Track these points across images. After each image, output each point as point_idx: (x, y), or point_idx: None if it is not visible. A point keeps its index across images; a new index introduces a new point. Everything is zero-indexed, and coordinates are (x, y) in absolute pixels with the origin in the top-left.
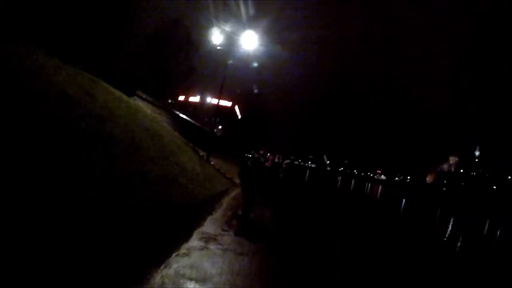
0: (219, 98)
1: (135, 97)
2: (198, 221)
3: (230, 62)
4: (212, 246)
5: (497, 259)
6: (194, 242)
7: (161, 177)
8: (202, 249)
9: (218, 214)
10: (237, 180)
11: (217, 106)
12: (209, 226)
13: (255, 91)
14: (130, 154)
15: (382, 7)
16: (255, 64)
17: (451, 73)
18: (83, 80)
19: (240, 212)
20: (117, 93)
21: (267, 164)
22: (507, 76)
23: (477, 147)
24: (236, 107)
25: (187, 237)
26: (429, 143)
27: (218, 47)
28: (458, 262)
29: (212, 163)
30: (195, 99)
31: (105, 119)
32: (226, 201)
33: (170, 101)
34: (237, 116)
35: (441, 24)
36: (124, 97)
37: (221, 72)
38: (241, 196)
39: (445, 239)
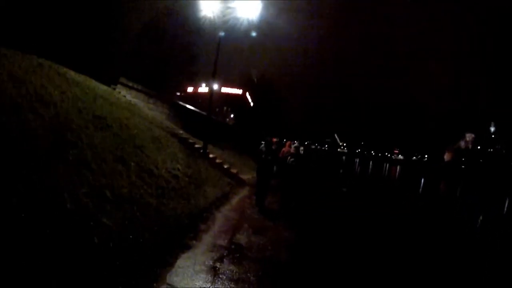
0: (212, 79)
1: (119, 85)
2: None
3: (222, 34)
4: None
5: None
6: None
7: (96, 196)
8: None
9: (200, 248)
10: (246, 176)
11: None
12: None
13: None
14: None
15: None
16: (254, 34)
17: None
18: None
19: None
20: (85, 80)
21: (284, 149)
22: None
23: (492, 123)
24: (247, 95)
25: None
26: (444, 120)
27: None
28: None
29: (212, 156)
30: (204, 89)
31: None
32: (221, 215)
33: (179, 93)
34: (249, 103)
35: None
36: (93, 84)
37: (223, 52)
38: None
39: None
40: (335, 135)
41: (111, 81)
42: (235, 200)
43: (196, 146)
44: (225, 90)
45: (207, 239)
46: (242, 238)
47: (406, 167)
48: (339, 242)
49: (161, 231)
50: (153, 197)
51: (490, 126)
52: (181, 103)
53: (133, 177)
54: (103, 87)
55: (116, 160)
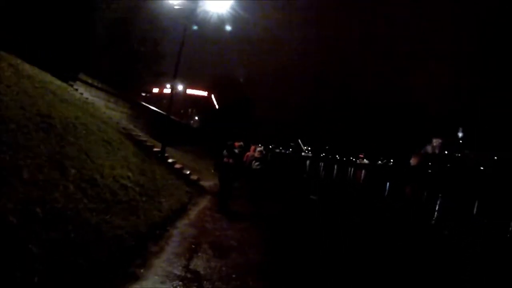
0: (174, 79)
1: (78, 82)
2: None
3: (195, 27)
4: None
5: (486, 241)
6: None
7: (23, 214)
8: None
9: (149, 279)
10: (207, 182)
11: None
12: None
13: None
14: None
15: None
16: (228, 28)
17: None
18: None
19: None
20: (39, 74)
21: (248, 154)
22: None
23: (460, 129)
24: (213, 96)
25: None
26: (411, 126)
27: (176, 7)
28: (447, 245)
29: (171, 160)
30: (169, 90)
31: None
32: (177, 232)
33: (144, 94)
34: (215, 105)
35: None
36: (47, 78)
37: (193, 54)
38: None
39: (433, 222)
40: (299, 140)
41: (69, 77)
42: (194, 212)
43: (155, 149)
44: (190, 91)
45: (158, 265)
46: (200, 263)
47: (372, 171)
48: (317, 267)
49: (100, 256)
50: (94, 213)
51: (458, 131)
52: (143, 103)
53: (71, 187)
54: (58, 83)
55: (54, 167)
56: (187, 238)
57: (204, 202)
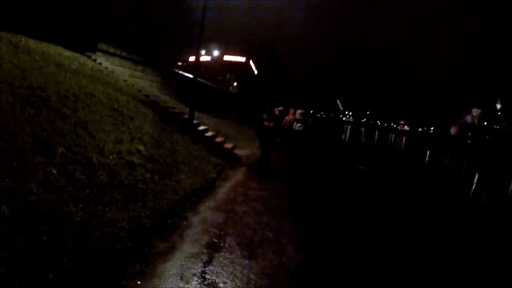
0: (199, 40)
1: (99, 52)
2: None
3: None
4: None
5: None
6: None
7: None
8: None
9: None
10: (244, 151)
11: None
12: None
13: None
14: None
15: None
16: None
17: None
18: None
19: None
20: (43, 48)
21: (287, 118)
22: None
23: (498, 100)
24: (251, 62)
25: None
26: (451, 93)
27: None
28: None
29: (202, 128)
30: (206, 58)
31: None
32: (198, 220)
33: (180, 63)
34: (253, 71)
35: None
36: (53, 51)
37: (227, 20)
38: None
39: (471, 193)
40: (337, 100)
41: (85, 48)
42: (223, 190)
43: (184, 117)
44: (227, 58)
45: (161, 274)
46: (222, 270)
47: (412, 138)
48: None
49: (82, 268)
50: (81, 204)
51: (496, 103)
52: (176, 70)
53: (54, 173)
54: (68, 54)
55: (36, 148)
56: (210, 228)
57: (237, 176)
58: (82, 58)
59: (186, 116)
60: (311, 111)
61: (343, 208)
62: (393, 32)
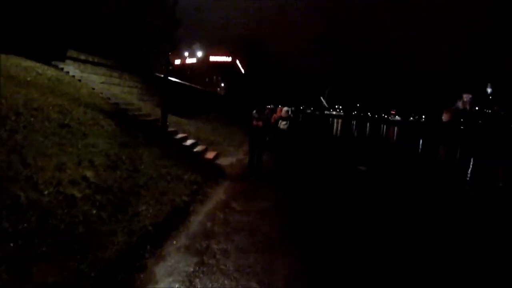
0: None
1: (69, 60)
2: None
3: None
4: None
5: None
6: None
7: None
8: None
9: None
10: (229, 159)
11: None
12: None
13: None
14: None
15: None
16: None
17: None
18: None
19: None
20: None
21: (275, 115)
22: None
23: (489, 84)
24: (238, 62)
25: None
26: (440, 80)
27: None
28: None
29: (180, 136)
30: (191, 60)
31: None
32: (160, 270)
33: (169, 67)
34: (240, 71)
35: None
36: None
37: (214, 20)
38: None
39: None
40: (321, 98)
41: (54, 57)
42: (198, 218)
43: (159, 124)
44: (213, 58)
45: None
46: None
47: (404, 128)
48: None
49: None
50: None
51: (487, 87)
52: (158, 74)
53: None
54: (27, 64)
55: None
56: (175, 286)
57: (218, 194)
58: (43, 68)
59: (166, 124)
60: (301, 107)
61: (353, 229)
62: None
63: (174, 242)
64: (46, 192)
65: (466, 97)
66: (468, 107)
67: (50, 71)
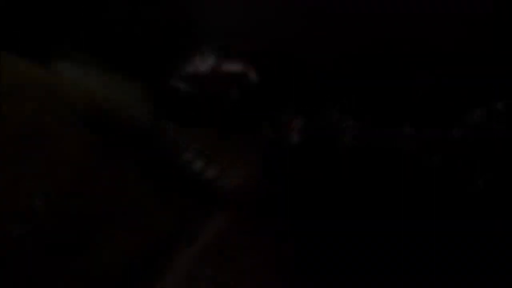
0: None
1: (62, 60)
2: None
3: None
4: None
5: None
6: None
7: None
8: None
9: None
10: (237, 174)
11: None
12: None
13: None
14: None
15: None
16: None
17: None
18: None
19: None
20: None
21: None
22: None
23: None
24: (253, 63)
25: None
26: None
27: None
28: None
29: (177, 147)
30: (205, 65)
31: None
32: None
33: (184, 74)
34: (256, 75)
35: None
36: None
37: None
38: None
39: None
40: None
41: (43, 59)
42: (182, 266)
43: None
44: (228, 64)
45: None
46: None
47: None
48: None
49: None
50: None
51: None
52: (167, 78)
53: None
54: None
55: None
56: None
57: (212, 229)
58: (24, 68)
59: (159, 133)
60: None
61: None
62: None
63: None
64: None
65: None
66: None
67: (33, 72)
